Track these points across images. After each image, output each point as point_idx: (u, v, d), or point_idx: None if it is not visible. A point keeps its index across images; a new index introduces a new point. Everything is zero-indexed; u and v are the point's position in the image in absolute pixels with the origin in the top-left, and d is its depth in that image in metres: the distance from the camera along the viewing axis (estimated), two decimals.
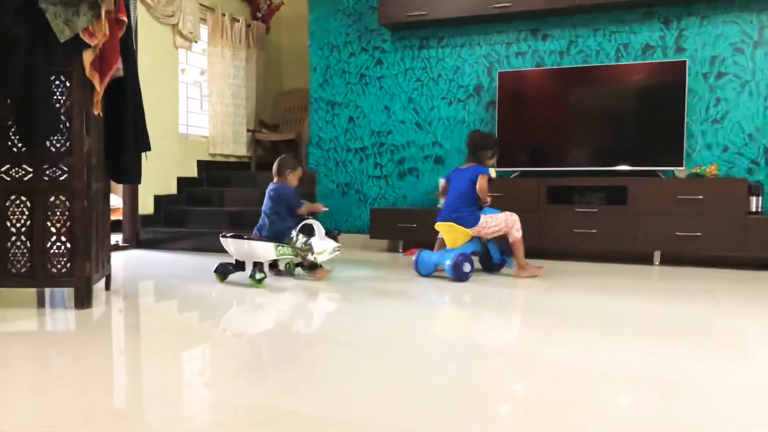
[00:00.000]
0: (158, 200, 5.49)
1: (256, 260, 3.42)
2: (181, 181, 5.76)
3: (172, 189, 5.69)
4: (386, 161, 5.40)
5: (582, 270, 4.05)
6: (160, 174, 5.44)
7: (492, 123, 4.95)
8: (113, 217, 5.03)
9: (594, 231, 4.33)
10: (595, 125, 4.64)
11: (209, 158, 6.10)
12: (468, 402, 1.64)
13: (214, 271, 3.52)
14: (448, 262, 3.51)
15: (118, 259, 4.53)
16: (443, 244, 3.81)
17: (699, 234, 4.09)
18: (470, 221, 3.62)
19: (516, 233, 3.66)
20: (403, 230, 4.84)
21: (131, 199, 5.26)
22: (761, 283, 3.56)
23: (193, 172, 5.92)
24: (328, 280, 3.60)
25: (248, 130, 6.38)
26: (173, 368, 1.99)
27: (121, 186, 5.32)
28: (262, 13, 6.66)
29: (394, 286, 3.45)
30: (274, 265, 3.79)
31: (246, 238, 3.41)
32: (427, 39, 5.22)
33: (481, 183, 3.64)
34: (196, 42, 5.84)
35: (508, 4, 4.65)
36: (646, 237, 4.23)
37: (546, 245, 4.51)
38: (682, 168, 4.33)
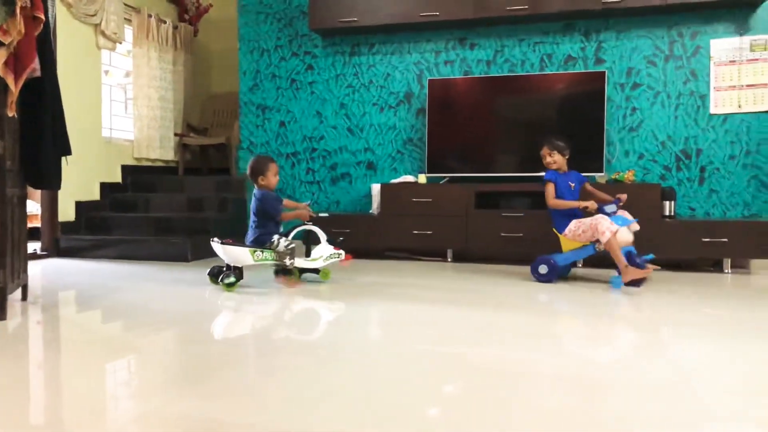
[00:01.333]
0: (80, 206, 5.28)
1: (237, 265, 3.45)
2: (105, 187, 5.55)
3: (95, 195, 5.48)
4: (318, 166, 5.39)
5: (506, 271, 4.17)
6: (81, 179, 5.23)
7: (422, 130, 5.03)
8: (31, 225, 4.81)
9: (520, 235, 4.46)
10: (520, 132, 4.79)
11: (134, 163, 5.91)
12: (402, 403, 1.66)
13: (208, 274, 3.59)
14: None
15: (35, 268, 4.33)
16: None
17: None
18: (560, 226, 3.72)
19: (602, 237, 3.45)
20: (337, 236, 4.84)
21: (50, 206, 5.03)
22: (675, 284, 3.77)
23: (117, 177, 5.73)
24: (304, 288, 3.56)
25: (176, 134, 6.23)
26: (96, 381, 1.92)
27: (39, 192, 5.09)
28: (190, 15, 6.52)
29: (343, 291, 3.45)
30: (286, 271, 3.62)
31: (223, 243, 3.43)
32: (359, 45, 5.26)
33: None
34: (120, 43, 5.66)
35: (436, 13, 4.75)
36: None
37: (474, 248, 4.62)
38: (603, 174, 4.53)
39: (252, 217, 3.64)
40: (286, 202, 3.76)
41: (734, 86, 4.46)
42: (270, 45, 5.48)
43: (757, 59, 4.41)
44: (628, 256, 3.48)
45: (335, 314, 2.95)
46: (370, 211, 5.04)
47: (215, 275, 3.55)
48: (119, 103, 5.97)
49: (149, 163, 6.07)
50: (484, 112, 4.84)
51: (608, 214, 3.52)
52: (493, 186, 4.63)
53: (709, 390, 1.78)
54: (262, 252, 3.49)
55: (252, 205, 3.65)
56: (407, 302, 3.14)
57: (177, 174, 6.25)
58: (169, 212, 5.36)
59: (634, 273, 3.43)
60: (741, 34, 4.45)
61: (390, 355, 2.16)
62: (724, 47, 4.48)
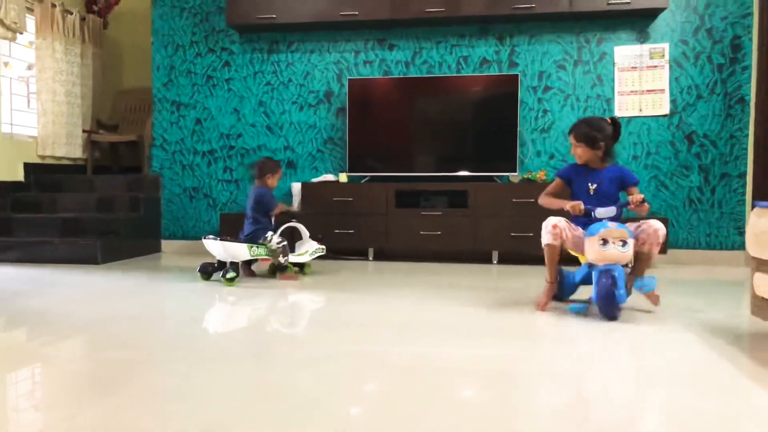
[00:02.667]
0: None
1: (233, 260, 3.61)
2: (5, 186, 5.23)
3: None
4: (236, 165, 5.29)
5: (425, 270, 4.25)
6: None
7: (343, 129, 5.04)
8: None
9: (439, 233, 4.56)
10: (438, 133, 4.89)
11: (38, 161, 5.60)
12: (321, 405, 1.67)
13: (198, 271, 3.73)
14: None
15: None
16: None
17: (531, 234, 4.45)
18: None
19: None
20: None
21: None
22: None
23: (19, 176, 5.40)
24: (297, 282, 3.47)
25: (84, 131, 5.95)
26: None
27: None
28: (99, 6, 6.24)
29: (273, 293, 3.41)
30: (282, 268, 3.79)
31: (221, 240, 3.59)
32: (277, 43, 5.20)
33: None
34: (21, 33, 5.33)
35: (355, 13, 4.76)
36: (485, 238, 4.54)
37: (394, 247, 4.68)
38: (516, 174, 4.70)
39: (247, 213, 3.85)
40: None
41: (636, 91, 4.73)
42: (185, 40, 5.33)
43: (655, 66, 4.70)
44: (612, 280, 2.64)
45: (248, 316, 2.92)
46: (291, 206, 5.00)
47: (207, 272, 3.71)
48: (21, 98, 5.63)
49: (55, 161, 5.77)
50: (403, 113, 4.91)
51: (599, 220, 2.77)
52: (413, 185, 4.70)
53: (614, 379, 1.88)
54: (258, 248, 3.69)
55: (249, 201, 3.86)
56: (332, 302, 3.14)
57: (85, 173, 5.98)
58: (77, 213, 5.12)
59: (547, 294, 2.90)
60: (641, 42, 4.72)
61: (313, 356, 2.16)
62: (626, 54, 4.74)
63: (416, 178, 4.82)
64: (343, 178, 4.86)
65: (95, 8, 6.22)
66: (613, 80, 4.77)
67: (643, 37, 4.72)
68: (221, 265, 3.70)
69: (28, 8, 5.41)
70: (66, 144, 5.75)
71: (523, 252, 4.55)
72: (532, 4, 4.56)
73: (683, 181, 4.72)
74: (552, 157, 4.87)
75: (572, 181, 3.03)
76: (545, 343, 2.33)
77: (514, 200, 4.49)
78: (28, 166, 5.47)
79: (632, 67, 4.73)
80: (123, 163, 6.24)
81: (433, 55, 5.00)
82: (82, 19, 5.99)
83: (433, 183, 4.74)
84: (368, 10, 4.76)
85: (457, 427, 1.51)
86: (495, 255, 4.65)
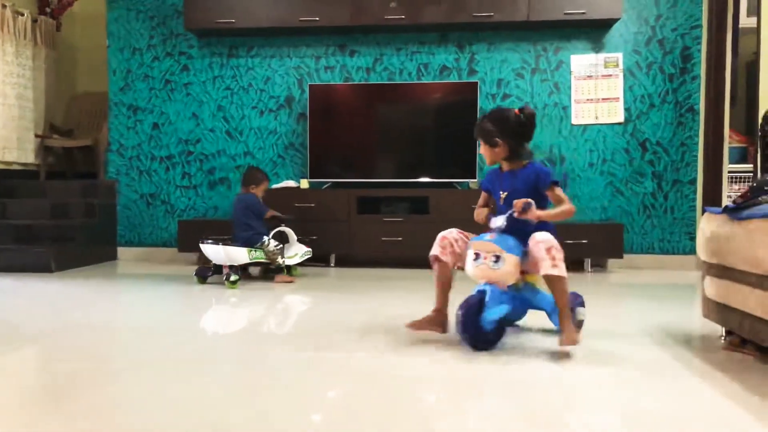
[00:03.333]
0: None
1: (232, 264, 3.72)
2: None
3: None
4: (195, 170, 5.22)
5: (389, 276, 4.26)
6: None
7: (304, 135, 5.03)
8: None
9: (400, 239, 4.57)
10: (399, 139, 4.91)
11: None
12: (286, 411, 1.66)
13: (195, 275, 3.88)
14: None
15: None
16: None
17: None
18: None
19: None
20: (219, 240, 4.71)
21: None
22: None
23: None
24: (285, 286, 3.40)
25: (37, 136, 5.78)
26: None
27: None
28: (52, 7, 6.08)
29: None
30: (276, 270, 3.98)
31: (221, 244, 3.72)
32: (237, 47, 5.16)
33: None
34: None
35: (315, 18, 4.76)
36: None
37: (356, 253, 4.68)
38: (475, 180, 4.75)
39: (239, 220, 3.95)
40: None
41: (591, 99, 4.85)
42: (142, 44, 5.24)
43: (610, 75, 4.82)
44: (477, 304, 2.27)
45: (202, 323, 2.88)
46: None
47: (203, 276, 3.86)
48: None
49: (5, 167, 5.58)
50: (364, 119, 4.92)
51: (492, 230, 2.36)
52: (374, 191, 4.71)
53: (571, 382, 1.92)
54: (256, 251, 3.83)
55: (237, 208, 3.98)
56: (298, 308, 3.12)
57: (38, 178, 5.81)
58: (30, 219, 4.96)
59: (429, 322, 2.41)
60: (596, 52, 4.84)
61: (267, 364, 2.14)
62: (582, 63, 4.85)
63: (378, 185, 4.83)
64: (304, 184, 4.84)
65: (48, 9, 6.06)
66: (569, 88, 4.88)
67: (598, 47, 4.84)
68: (217, 270, 3.82)
69: None
70: (17, 149, 5.58)
71: None
72: (491, 12, 4.63)
73: (637, 187, 4.84)
74: None
75: (491, 190, 2.58)
76: (504, 350, 2.36)
77: (473, 206, 4.52)
78: None
79: (588, 76, 4.84)
80: (78, 169, 6.08)
81: (393, 62, 5.03)
82: (34, 20, 5.82)
83: (395, 189, 4.76)
84: (328, 16, 4.76)
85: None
86: None
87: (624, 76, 4.81)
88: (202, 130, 5.20)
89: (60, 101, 6.24)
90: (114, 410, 1.69)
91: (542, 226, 2.36)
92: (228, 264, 3.73)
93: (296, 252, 4.11)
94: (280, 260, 3.94)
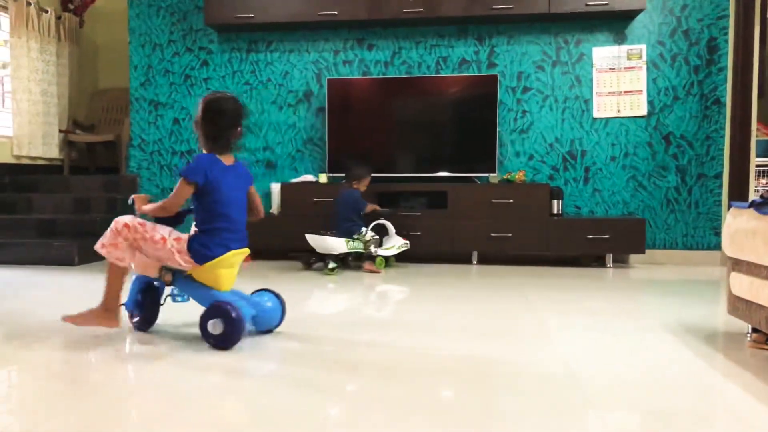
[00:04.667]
0: None
1: (331, 252, 4.03)
2: None
3: None
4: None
5: (410, 272, 4.25)
6: None
7: (322, 129, 5.02)
8: None
9: (418, 233, 4.55)
10: (418, 133, 4.88)
11: (14, 161, 5.51)
12: (301, 406, 1.65)
13: (299, 260, 4.26)
14: (270, 305, 2.46)
15: None
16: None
17: (510, 235, 4.47)
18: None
19: None
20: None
21: None
22: (561, 279, 3.98)
23: None
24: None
25: (60, 131, 5.86)
26: None
27: None
28: (75, 5, 6.15)
29: None
30: (369, 258, 4.19)
31: (323, 234, 4.07)
32: (256, 42, 5.17)
33: (257, 197, 2.66)
34: None
35: (334, 13, 4.74)
36: (465, 238, 4.54)
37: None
38: (495, 174, 4.71)
39: (341, 213, 4.22)
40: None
41: (614, 92, 4.77)
42: (163, 39, 5.27)
43: (633, 67, 4.73)
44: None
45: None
46: (270, 211, 4.97)
47: (307, 263, 4.20)
48: None
49: (30, 162, 5.68)
50: (382, 113, 4.90)
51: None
52: (392, 186, 4.69)
53: (591, 378, 1.89)
54: (353, 241, 4.10)
55: (339, 202, 4.26)
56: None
57: (62, 173, 5.89)
58: (54, 214, 5.04)
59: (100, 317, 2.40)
60: (619, 44, 4.76)
61: (289, 357, 2.14)
62: (604, 55, 4.77)
63: (395, 179, 4.81)
64: (323, 178, 4.84)
65: (71, 6, 6.13)
66: (591, 81, 4.80)
67: (620, 39, 4.76)
68: (320, 258, 4.14)
69: (2, 6, 5.33)
70: (42, 144, 5.67)
71: (503, 253, 4.56)
72: (510, 5, 4.57)
73: (660, 181, 4.76)
74: (531, 157, 4.89)
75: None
76: (525, 344, 2.33)
77: (493, 201, 4.50)
78: (3, 167, 5.38)
79: (610, 69, 4.76)
80: (100, 164, 6.16)
81: (412, 56, 4.99)
82: (58, 17, 5.90)
83: (413, 184, 4.73)
84: (347, 10, 4.74)
85: (435, 428, 1.50)
86: (474, 255, 4.65)
87: (647, 68, 4.73)
88: None
89: (83, 97, 6.31)
90: (136, 403, 1.70)
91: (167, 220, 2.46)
92: (328, 252, 4.05)
93: (393, 244, 4.30)
94: (372, 249, 4.17)
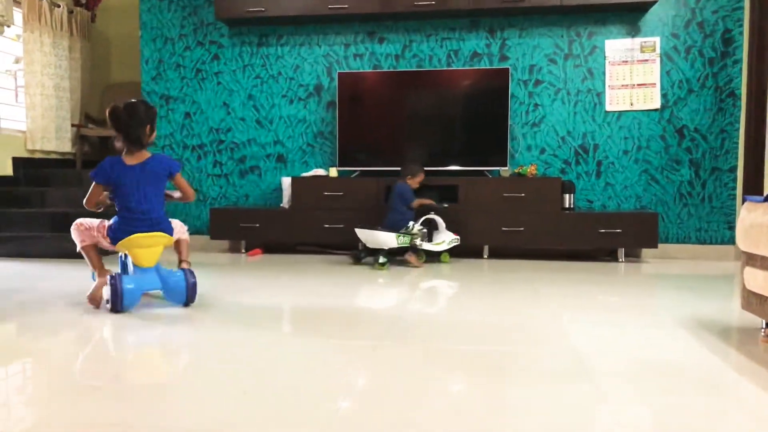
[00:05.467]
0: None
1: (382, 247, 4.05)
2: None
3: None
4: (226, 159, 5.26)
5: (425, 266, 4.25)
6: None
7: (333, 123, 5.02)
8: None
9: (379, 227, 4.52)
10: (429, 127, 4.87)
11: (27, 155, 5.55)
12: (311, 399, 1.65)
13: (350, 256, 4.37)
14: (175, 281, 2.84)
15: None
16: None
17: (522, 229, 4.45)
18: (171, 229, 2.94)
19: (186, 234, 3.17)
20: (246, 230, 4.76)
21: None
22: (573, 273, 3.96)
23: (7, 170, 5.36)
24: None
25: (73, 125, 5.90)
26: None
27: None
28: None
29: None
30: (414, 249, 4.17)
31: (372, 229, 4.08)
32: (267, 36, 5.16)
33: (184, 184, 3.00)
34: (8, 26, 5.28)
35: (345, 6, 4.73)
36: (476, 232, 4.52)
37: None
38: (506, 168, 4.68)
39: (392, 206, 4.27)
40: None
41: (627, 85, 4.73)
42: (174, 33, 5.28)
43: (646, 60, 4.69)
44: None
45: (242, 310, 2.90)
46: (281, 205, 4.98)
47: (357, 258, 4.28)
48: (8, 91, 5.58)
49: (44, 156, 5.72)
50: (393, 106, 4.88)
51: None
52: None
53: (603, 373, 1.88)
54: (404, 237, 4.10)
55: (392, 196, 4.30)
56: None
57: (75, 167, 5.93)
58: (67, 207, 5.07)
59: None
60: (632, 36, 4.71)
61: (301, 351, 2.14)
62: (617, 48, 4.73)
63: None
64: (333, 172, 4.84)
65: (83, 1, 6.16)
66: (604, 74, 4.76)
67: (634, 31, 4.71)
68: (369, 252, 4.20)
69: (15, 1, 5.35)
70: (55, 138, 5.71)
71: (515, 247, 4.55)
72: None
73: (674, 175, 4.72)
74: (543, 151, 4.86)
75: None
76: (537, 339, 2.32)
77: (504, 195, 4.49)
78: (16, 161, 5.43)
79: (623, 61, 4.72)
80: None
81: (423, 49, 4.97)
82: (70, 12, 5.93)
83: (424, 177, 4.71)
84: (358, 3, 4.73)
85: (451, 422, 1.50)
86: (486, 249, 4.64)
87: (661, 60, 4.68)
88: (232, 119, 5.23)
89: (95, 91, 6.34)
90: (148, 394, 1.71)
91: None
92: (378, 247, 4.06)
93: (443, 239, 4.28)
94: (418, 242, 4.17)
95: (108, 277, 2.74)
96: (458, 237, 4.34)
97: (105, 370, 1.95)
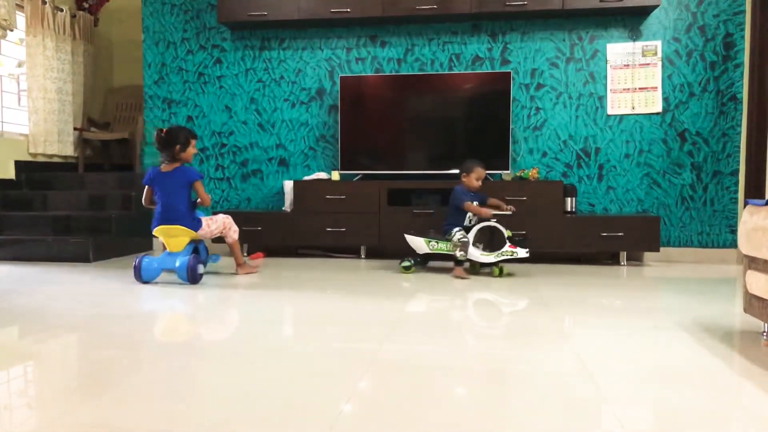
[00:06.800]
0: None
1: (417, 251, 4.01)
2: None
3: None
4: (228, 163, 5.27)
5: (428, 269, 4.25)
6: None
7: (335, 127, 5.03)
8: None
9: (432, 231, 4.53)
10: (430, 131, 4.87)
11: (30, 158, 5.56)
12: (314, 402, 1.66)
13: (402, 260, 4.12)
14: (178, 264, 3.48)
15: None
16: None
17: (524, 232, 4.45)
18: (195, 225, 3.66)
19: (234, 234, 3.90)
20: (248, 234, 4.75)
21: None
22: (575, 276, 3.96)
23: (10, 174, 5.37)
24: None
25: (75, 129, 5.91)
26: None
27: None
28: (90, 3, 6.20)
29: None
30: (459, 262, 3.88)
31: (408, 235, 4.03)
32: (269, 40, 5.18)
33: (202, 191, 3.66)
34: (11, 30, 5.29)
35: (347, 10, 4.75)
36: None
37: (386, 245, 4.67)
38: (508, 171, 4.69)
39: (448, 209, 4.09)
40: (490, 200, 4.09)
41: (628, 89, 4.73)
42: (176, 37, 5.30)
43: (648, 63, 4.70)
44: None
45: (243, 311, 2.91)
46: (283, 209, 4.99)
47: (406, 266, 4.05)
48: (11, 95, 5.59)
49: (46, 159, 5.73)
50: (395, 110, 4.89)
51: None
52: (405, 183, 4.69)
53: (605, 376, 1.88)
54: (438, 242, 3.94)
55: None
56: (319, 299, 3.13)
57: (77, 170, 5.94)
58: (69, 210, 5.09)
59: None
60: (634, 40, 4.72)
61: (304, 354, 2.15)
62: (619, 51, 4.74)
63: (408, 176, 4.81)
64: (335, 176, 4.85)
65: (86, 5, 6.18)
66: (605, 78, 4.77)
67: (635, 35, 4.72)
68: (425, 258, 4.10)
69: (18, 5, 5.37)
70: (57, 141, 5.72)
71: None
72: (524, 1, 4.55)
73: (675, 179, 4.72)
74: (545, 155, 4.86)
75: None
76: (539, 342, 2.32)
77: (506, 198, 4.48)
78: (19, 164, 5.44)
79: (625, 65, 4.73)
80: (115, 161, 6.21)
81: (425, 53, 4.98)
82: (73, 16, 5.95)
83: (425, 181, 4.72)
84: (360, 7, 4.74)
85: (452, 424, 1.50)
86: None
87: (663, 64, 4.69)
88: (235, 123, 5.25)
89: (97, 95, 6.36)
90: (149, 397, 1.71)
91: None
92: (420, 252, 4.00)
93: (497, 251, 3.83)
94: (458, 253, 3.82)
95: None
96: (516, 250, 3.81)
97: (106, 372, 1.95)
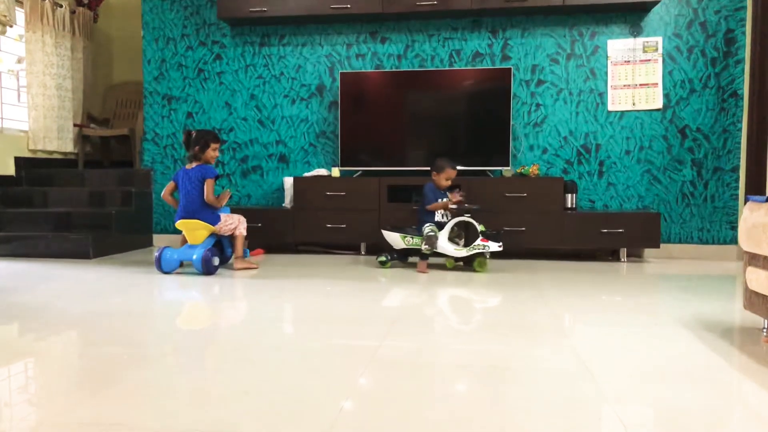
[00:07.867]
0: None
1: (394, 247, 4.05)
2: None
3: None
4: (228, 159, 5.26)
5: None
6: None
7: (335, 123, 5.02)
8: None
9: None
10: (431, 127, 4.87)
11: (29, 155, 5.56)
12: (313, 399, 1.66)
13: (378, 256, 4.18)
14: (195, 257, 3.72)
15: None
16: (185, 241, 3.98)
17: (524, 228, 4.45)
18: (213, 219, 3.88)
19: (243, 230, 4.04)
20: (248, 230, 4.71)
21: None
22: (575, 273, 3.96)
23: (9, 170, 5.36)
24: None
25: (75, 125, 5.90)
26: None
27: None
28: None
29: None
30: (423, 256, 3.93)
31: (385, 230, 4.07)
32: (269, 36, 5.17)
33: (208, 188, 3.86)
34: (10, 26, 5.28)
35: (347, 6, 4.73)
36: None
37: (387, 242, 4.65)
38: (509, 168, 4.68)
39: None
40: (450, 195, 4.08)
41: (629, 85, 4.73)
42: (176, 33, 5.29)
43: (648, 60, 4.69)
44: None
45: (242, 310, 2.91)
46: (283, 205, 4.98)
47: (386, 260, 4.11)
48: (11, 91, 5.58)
49: (46, 156, 5.73)
50: (395, 106, 4.89)
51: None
52: (405, 179, 4.69)
53: (605, 373, 1.88)
54: (413, 238, 3.97)
55: None
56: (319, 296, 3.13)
57: (77, 167, 5.93)
58: (69, 207, 5.08)
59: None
60: (635, 36, 4.71)
61: (303, 351, 2.15)
62: (619, 48, 4.73)
63: (408, 173, 4.80)
64: (335, 172, 4.84)
65: (85, 1, 6.16)
66: (606, 74, 4.76)
67: (636, 31, 4.71)
68: (403, 253, 4.09)
69: (17, 1, 5.36)
70: (57, 138, 5.71)
71: (516, 246, 4.54)
72: None
73: (676, 175, 4.72)
74: (545, 151, 4.86)
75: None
76: (539, 339, 2.32)
77: (507, 195, 4.49)
78: (19, 161, 5.43)
79: (625, 61, 4.72)
80: (114, 158, 6.20)
81: (425, 49, 4.97)
82: (72, 12, 5.93)
83: (426, 177, 4.70)
84: (360, 3, 4.73)
85: (452, 422, 1.50)
86: None
87: (663, 60, 4.68)
88: (234, 119, 5.24)
89: (97, 91, 6.35)
90: (150, 394, 1.71)
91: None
92: (396, 248, 4.04)
93: (469, 245, 3.88)
94: (423, 247, 3.87)
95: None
96: (488, 244, 3.84)
97: (106, 370, 1.95)
